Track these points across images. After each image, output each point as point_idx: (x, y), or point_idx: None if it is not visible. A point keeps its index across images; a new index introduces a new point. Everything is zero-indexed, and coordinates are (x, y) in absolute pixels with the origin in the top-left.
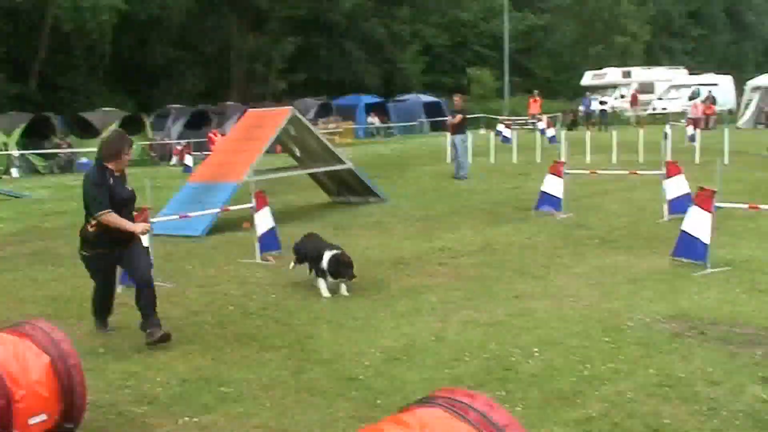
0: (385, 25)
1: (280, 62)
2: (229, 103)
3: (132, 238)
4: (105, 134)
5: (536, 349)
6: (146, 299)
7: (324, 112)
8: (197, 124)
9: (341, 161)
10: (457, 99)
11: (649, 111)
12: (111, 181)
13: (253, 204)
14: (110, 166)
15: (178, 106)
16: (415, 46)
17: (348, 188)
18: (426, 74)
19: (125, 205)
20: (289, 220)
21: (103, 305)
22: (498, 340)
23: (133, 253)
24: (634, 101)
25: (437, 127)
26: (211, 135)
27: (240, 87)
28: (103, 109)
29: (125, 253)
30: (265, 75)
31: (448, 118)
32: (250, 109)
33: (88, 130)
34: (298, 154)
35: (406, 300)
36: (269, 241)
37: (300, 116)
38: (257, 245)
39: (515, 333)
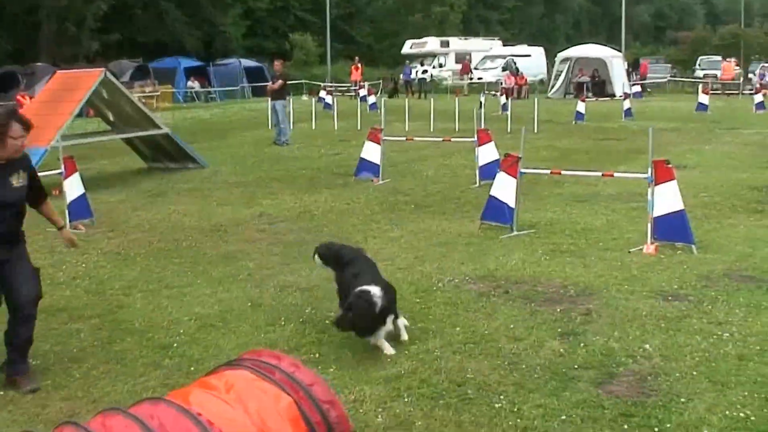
0: None
1: (93, 22)
2: (38, 64)
3: (14, 243)
4: None
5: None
6: (27, 332)
7: (141, 75)
8: (5, 86)
9: (157, 126)
10: (277, 64)
11: (466, 81)
12: None
13: (62, 170)
14: None
15: None
16: (236, 9)
17: (165, 154)
18: (248, 38)
19: (6, 207)
20: (103, 187)
21: None
22: (313, 304)
23: (16, 267)
24: (465, 70)
25: (259, 92)
26: (19, 98)
27: (50, 47)
28: None
29: (6, 263)
30: (77, 35)
31: (269, 84)
32: (60, 71)
33: None
34: (111, 118)
35: (223, 266)
36: (79, 209)
37: (113, 79)
38: (67, 213)
39: (330, 297)
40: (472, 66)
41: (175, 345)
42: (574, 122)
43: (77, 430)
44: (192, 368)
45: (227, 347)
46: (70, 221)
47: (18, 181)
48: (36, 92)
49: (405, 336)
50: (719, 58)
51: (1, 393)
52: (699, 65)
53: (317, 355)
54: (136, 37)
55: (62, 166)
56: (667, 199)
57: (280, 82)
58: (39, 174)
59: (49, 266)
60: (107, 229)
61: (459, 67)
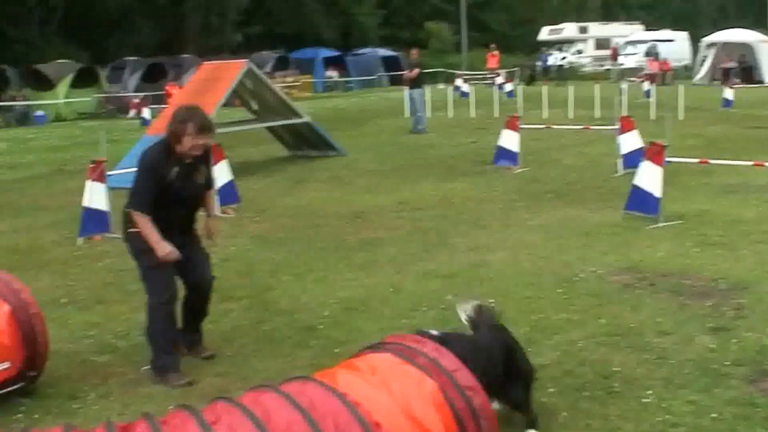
0: None
1: (235, 14)
2: (185, 55)
3: (190, 227)
4: (59, 86)
5: (492, 300)
6: (203, 306)
7: (281, 65)
8: (154, 76)
9: (298, 115)
10: (413, 53)
11: (606, 66)
12: (171, 171)
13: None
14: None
15: (134, 58)
16: None
17: (306, 142)
18: (383, 28)
19: (183, 202)
20: (249, 174)
21: (173, 315)
22: (454, 291)
23: (192, 251)
24: (613, 56)
25: (396, 81)
26: (168, 88)
27: (195, 39)
28: (58, 61)
29: (183, 247)
30: (220, 27)
31: (405, 72)
32: (205, 62)
33: (42, 83)
34: (255, 107)
35: (364, 252)
36: (228, 194)
37: (256, 69)
38: (216, 198)
39: (472, 284)
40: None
41: (320, 327)
42: (721, 109)
43: (188, 413)
44: (337, 350)
45: (370, 331)
46: (219, 206)
47: (201, 177)
48: (183, 82)
49: None
50: None
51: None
52: None
53: None
54: (276, 29)
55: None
56: None
57: (416, 70)
58: None
59: None
60: (253, 214)
61: (598, 53)
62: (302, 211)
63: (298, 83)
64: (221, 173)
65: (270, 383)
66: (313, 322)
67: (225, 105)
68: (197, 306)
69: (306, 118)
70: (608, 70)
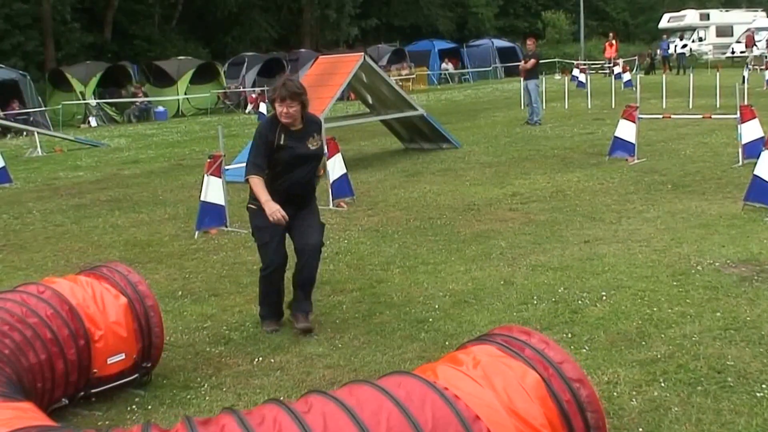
0: None
1: (352, 8)
2: (302, 50)
3: (307, 200)
4: (179, 82)
5: (604, 293)
6: (310, 274)
7: (397, 58)
8: (271, 71)
9: (413, 108)
10: (530, 43)
11: (728, 54)
12: (280, 138)
13: (325, 151)
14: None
15: (251, 53)
16: None
17: (420, 135)
18: (500, 18)
19: (294, 166)
20: (363, 167)
21: (274, 282)
22: (566, 284)
23: (307, 219)
24: (749, 43)
25: (511, 72)
26: None
27: (313, 34)
28: (178, 57)
29: (297, 216)
30: (337, 21)
31: (521, 63)
32: (321, 56)
33: (163, 79)
34: (370, 101)
35: (476, 245)
36: (342, 188)
37: (371, 63)
38: (330, 192)
39: (584, 277)
40: (735, 39)
41: (430, 319)
42: None
43: (276, 405)
44: (446, 342)
45: (480, 323)
46: (333, 199)
47: (314, 143)
48: (300, 76)
49: None
50: None
51: (272, 360)
52: None
53: (569, 335)
54: (392, 22)
55: (325, 148)
56: None
57: (532, 61)
58: None
59: None
60: (367, 207)
61: (720, 40)
62: (415, 203)
63: (413, 76)
64: (335, 167)
65: (369, 378)
66: (424, 314)
67: (340, 98)
68: (304, 272)
69: (420, 111)
70: (745, 56)
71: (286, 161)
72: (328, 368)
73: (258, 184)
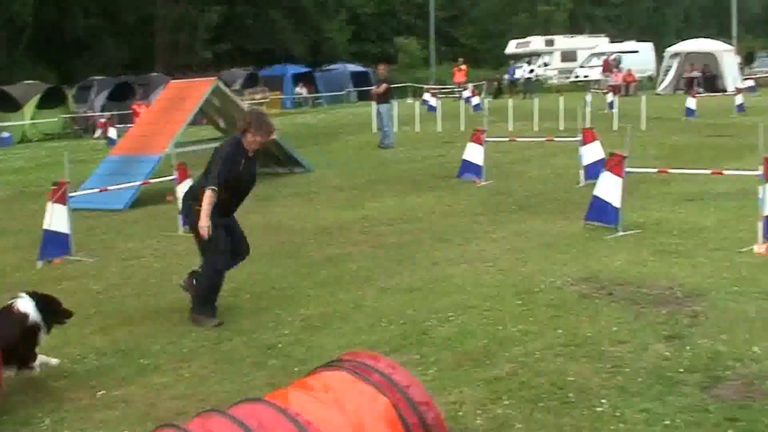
0: None
1: (205, 32)
2: (153, 74)
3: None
4: (26, 107)
5: (451, 314)
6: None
7: (251, 82)
8: (121, 95)
9: None
10: (381, 68)
11: (572, 78)
12: (242, 162)
13: (175, 176)
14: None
15: (101, 77)
16: (342, 15)
17: (273, 159)
18: (353, 43)
19: (247, 189)
20: None
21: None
22: (415, 306)
23: (236, 227)
24: (606, 69)
25: (365, 96)
26: (134, 107)
27: (164, 57)
28: (26, 82)
29: (232, 225)
30: (190, 45)
31: (374, 88)
32: (173, 81)
33: (8, 104)
34: (222, 125)
35: (327, 269)
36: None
37: (224, 87)
38: (179, 218)
39: (432, 298)
40: (579, 64)
41: (280, 345)
42: (683, 119)
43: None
44: (296, 368)
45: (330, 347)
46: (182, 225)
47: (254, 169)
48: (151, 101)
49: None
50: None
51: (116, 393)
52: None
53: (418, 356)
54: (247, 46)
55: (175, 172)
56: None
57: (384, 85)
58: (152, 180)
59: (161, 269)
60: None
61: (564, 65)
62: (267, 228)
63: (266, 100)
64: (184, 192)
65: (219, 407)
66: (273, 340)
67: (192, 123)
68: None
69: (273, 136)
70: (598, 81)
71: (246, 182)
72: (175, 399)
73: (211, 199)
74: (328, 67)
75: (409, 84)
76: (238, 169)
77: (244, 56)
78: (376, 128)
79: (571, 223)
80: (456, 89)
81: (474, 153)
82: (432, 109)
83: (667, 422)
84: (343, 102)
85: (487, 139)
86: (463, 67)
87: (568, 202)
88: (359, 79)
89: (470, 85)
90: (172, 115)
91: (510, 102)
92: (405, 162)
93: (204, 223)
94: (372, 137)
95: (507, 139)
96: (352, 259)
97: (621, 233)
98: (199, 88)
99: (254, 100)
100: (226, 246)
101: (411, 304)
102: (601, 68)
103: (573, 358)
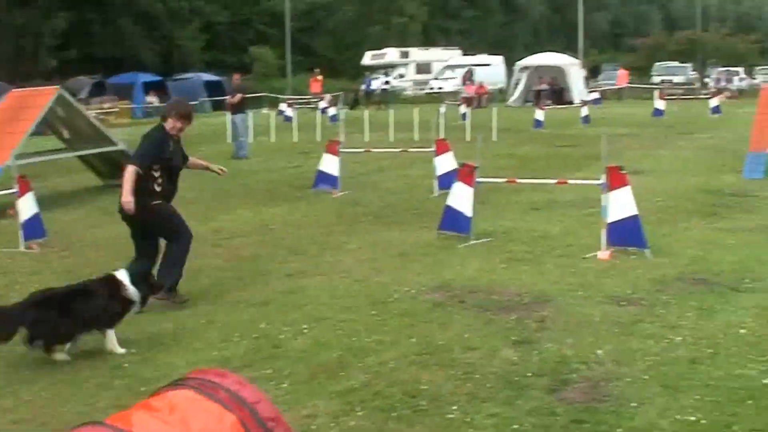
0: (162, 1)
1: (50, 39)
2: None
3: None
4: None
5: (305, 326)
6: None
7: (98, 91)
8: None
9: (112, 142)
10: (236, 78)
11: (427, 90)
12: (169, 147)
13: (16, 189)
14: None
15: None
16: (195, 23)
17: (121, 170)
18: (207, 52)
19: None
20: (58, 206)
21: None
22: (268, 319)
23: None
24: (465, 80)
25: (219, 106)
26: None
27: (7, 65)
28: None
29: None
30: (34, 52)
31: (228, 98)
32: (14, 90)
33: None
34: (66, 135)
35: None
36: (33, 229)
37: (68, 96)
38: (20, 233)
39: (286, 311)
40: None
41: (126, 365)
42: (532, 130)
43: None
44: (143, 388)
45: (180, 365)
46: (23, 240)
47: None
48: None
49: None
50: (676, 63)
51: None
52: (656, 71)
53: (271, 371)
54: (95, 53)
55: (15, 185)
56: (621, 204)
57: (239, 95)
58: None
59: (2, 287)
60: (61, 249)
61: (419, 77)
62: (113, 243)
63: (115, 109)
64: (27, 206)
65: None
66: (119, 360)
67: (34, 134)
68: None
69: (120, 146)
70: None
71: (177, 162)
72: (15, 423)
73: (133, 175)
74: (180, 76)
75: (265, 94)
76: (168, 150)
77: (92, 64)
78: (230, 139)
79: (425, 232)
80: (312, 100)
81: (330, 164)
82: (288, 119)
83: (516, 426)
84: (196, 112)
85: (342, 149)
86: (320, 77)
87: (422, 212)
88: (213, 88)
89: (327, 96)
90: (13, 126)
91: (366, 113)
92: (260, 173)
93: (127, 198)
94: (227, 148)
95: (363, 150)
96: (204, 273)
97: (473, 242)
98: (41, 98)
99: (102, 109)
100: (180, 219)
101: (264, 317)
102: (456, 80)
103: (426, 366)
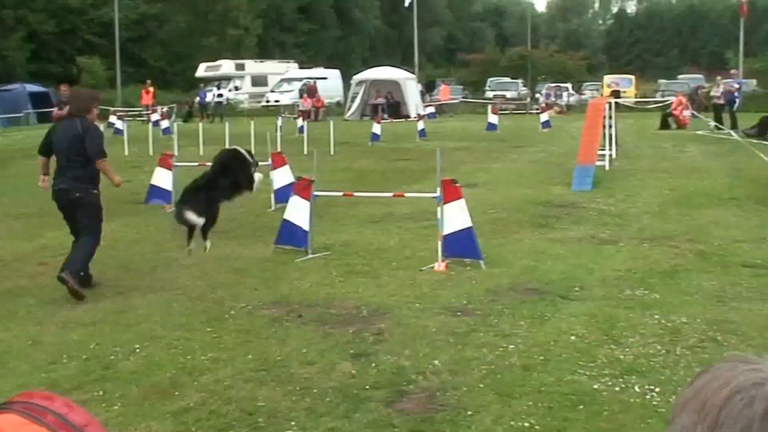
0: None
1: None
2: None
3: None
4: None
5: (137, 346)
6: None
7: None
8: None
9: None
10: (63, 89)
11: (263, 103)
12: None
13: None
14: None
15: None
16: (19, 32)
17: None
18: (32, 62)
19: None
20: None
21: None
22: (98, 339)
23: None
24: (312, 93)
25: (45, 118)
26: None
27: None
28: None
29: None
30: None
31: (55, 110)
32: None
33: None
34: None
35: (1, 303)
36: None
37: None
38: None
39: (117, 331)
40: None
41: None
42: (369, 144)
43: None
44: None
45: (6, 389)
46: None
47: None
48: None
49: None
50: (508, 79)
51: None
52: (489, 86)
53: (101, 393)
54: None
55: None
56: (455, 217)
57: (67, 107)
58: None
59: None
60: None
61: (255, 90)
62: None
63: None
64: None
65: None
66: None
67: None
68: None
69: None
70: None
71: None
72: None
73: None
74: (4, 87)
75: None
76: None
77: None
78: None
79: (262, 247)
80: (144, 112)
81: (162, 178)
82: (119, 132)
83: None
84: (21, 124)
85: (176, 163)
86: (151, 89)
87: (259, 227)
88: (39, 100)
89: (159, 108)
90: None
91: (200, 126)
92: None
93: (119, 179)
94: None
95: (197, 164)
96: (30, 292)
97: (310, 256)
98: None
99: None
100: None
101: (95, 337)
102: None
103: (263, 383)
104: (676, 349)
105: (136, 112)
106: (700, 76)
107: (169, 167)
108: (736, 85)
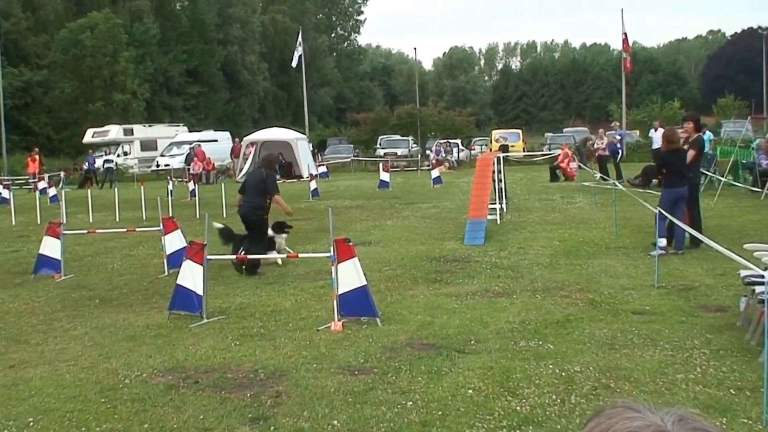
0: None
1: None
2: None
3: None
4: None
5: (31, 419)
6: None
7: None
8: None
9: None
10: None
11: (153, 168)
12: None
13: None
14: None
15: None
16: None
17: None
18: None
19: None
20: None
21: None
22: None
23: None
24: (236, 153)
25: None
26: None
27: None
28: None
29: None
30: None
31: None
32: None
33: None
34: None
35: None
36: None
37: None
38: None
39: (9, 405)
40: (159, 153)
41: None
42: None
43: None
44: None
45: None
46: None
47: None
48: None
49: None
50: (398, 136)
51: None
52: (380, 144)
53: None
54: None
55: None
56: (349, 275)
57: None
58: None
59: None
60: None
61: (145, 154)
62: None
63: None
64: None
65: None
66: None
67: None
68: None
69: None
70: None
71: None
72: None
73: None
74: None
75: None
76: None
77: None
78: None
79: (155, 313)
80: (31, 180)
81: (51, 247)
82: (4, 201)
83: None
84: None
85: (65, 231)
86: (38, 156)
87: (152, 293)
88: None
89: (46, 176)
90: None
91: (89, 192)
92: None
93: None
94: None
95: (86, 231)
96: None
97: (205, 320)
98: None
99: None
100: None
101: None
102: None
103: None
104: (571, 397)
105: (23, 181)
106: (584, 128)
107: (57, 236)
108: (618, 137)
